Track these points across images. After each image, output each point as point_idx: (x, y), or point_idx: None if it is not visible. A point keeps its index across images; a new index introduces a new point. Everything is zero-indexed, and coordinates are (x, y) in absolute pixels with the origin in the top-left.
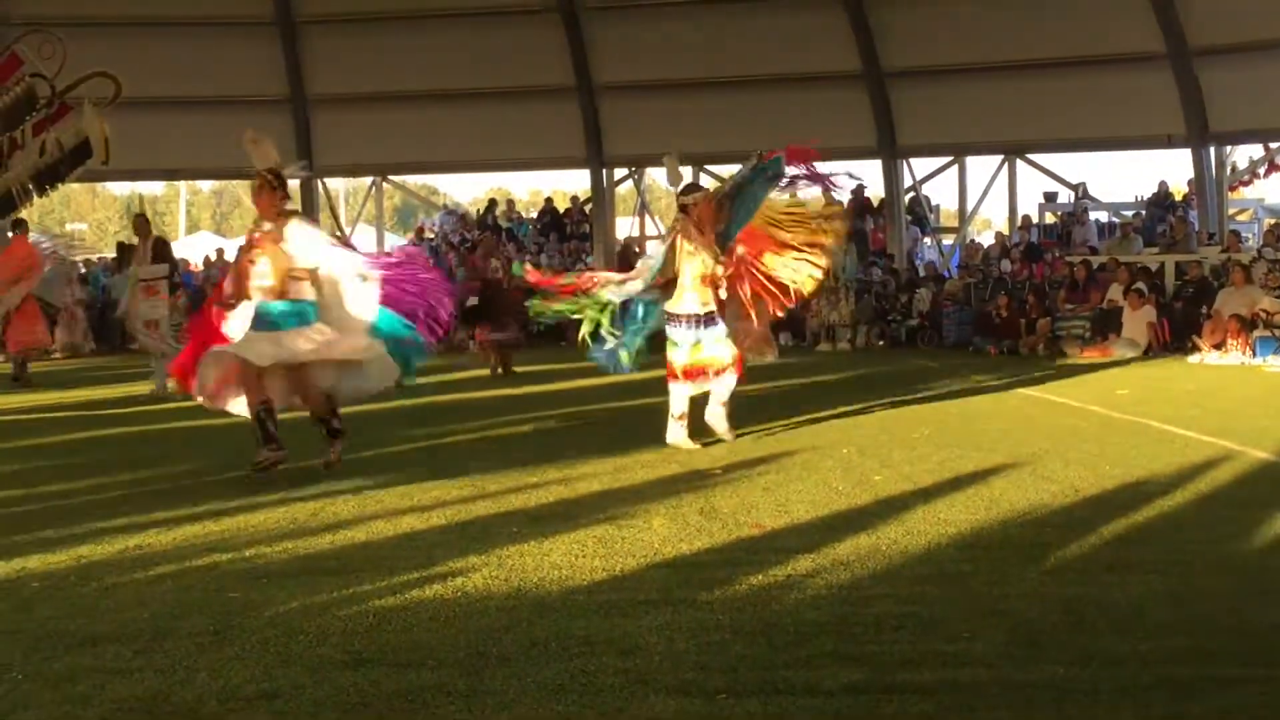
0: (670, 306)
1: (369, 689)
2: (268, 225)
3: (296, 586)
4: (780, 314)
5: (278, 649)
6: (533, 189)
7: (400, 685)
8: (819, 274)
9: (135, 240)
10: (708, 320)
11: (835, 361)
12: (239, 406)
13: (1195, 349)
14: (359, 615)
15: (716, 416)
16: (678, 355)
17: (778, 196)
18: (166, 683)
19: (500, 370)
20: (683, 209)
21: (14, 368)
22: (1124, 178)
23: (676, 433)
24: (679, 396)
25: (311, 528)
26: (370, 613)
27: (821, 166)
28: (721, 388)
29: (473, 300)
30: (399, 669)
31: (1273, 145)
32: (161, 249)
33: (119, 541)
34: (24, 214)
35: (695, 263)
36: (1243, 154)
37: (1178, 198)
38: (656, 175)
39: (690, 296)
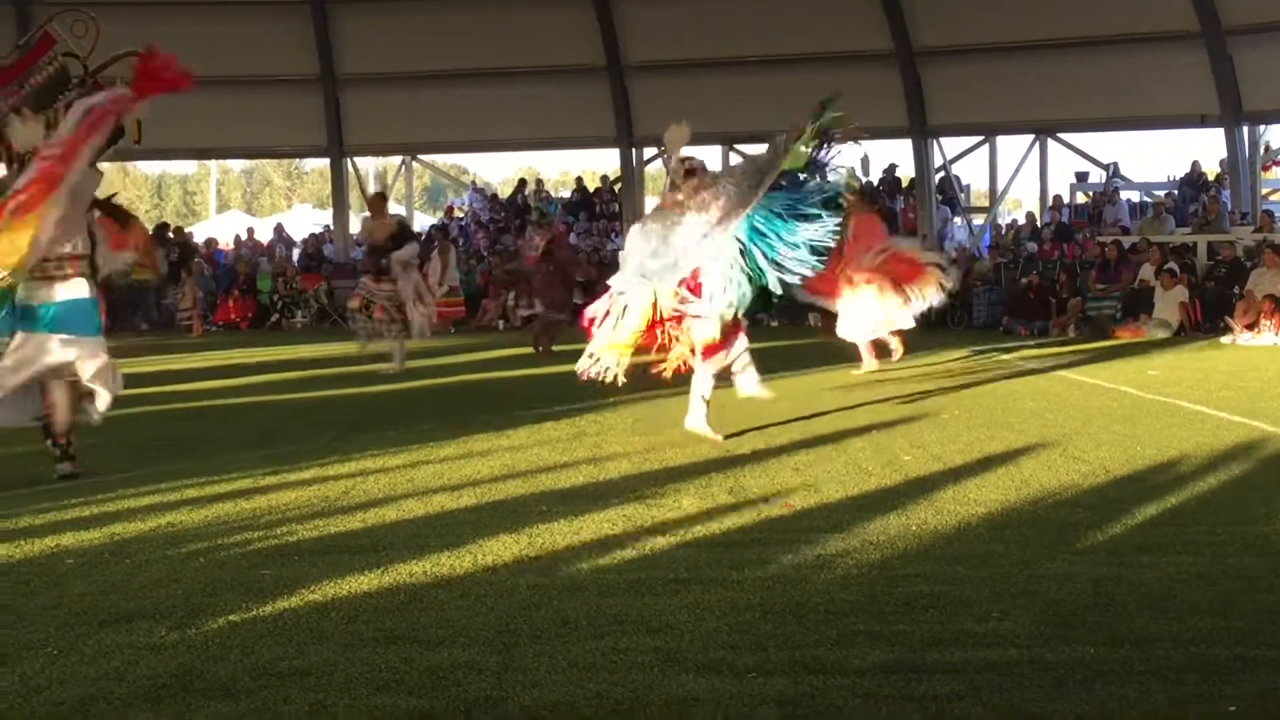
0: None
1: (400, 666)
2: None
3: (328, 564)
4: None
5: (310, 626)
6: (562, 168)
7: (431, 662)
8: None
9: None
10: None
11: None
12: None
13: (1227, 330)
14: (390, 593)
15: (749, 380)
16: (706, 331)
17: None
18: (200, 659)
19: (541, 349)
20: (691, 172)
21: None
22: (1156, 157)
23: (698, 418)
24: (705, 377)
25: (343, 506)
26: (401, 590)
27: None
28: (736, 351)
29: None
30: (430, 646)
31: None
32: (403, 229)
33: (152, 519)
34: None
35: None
36: (1276, 133)
37: (1210, 177)
38: (685, 154)
39: None
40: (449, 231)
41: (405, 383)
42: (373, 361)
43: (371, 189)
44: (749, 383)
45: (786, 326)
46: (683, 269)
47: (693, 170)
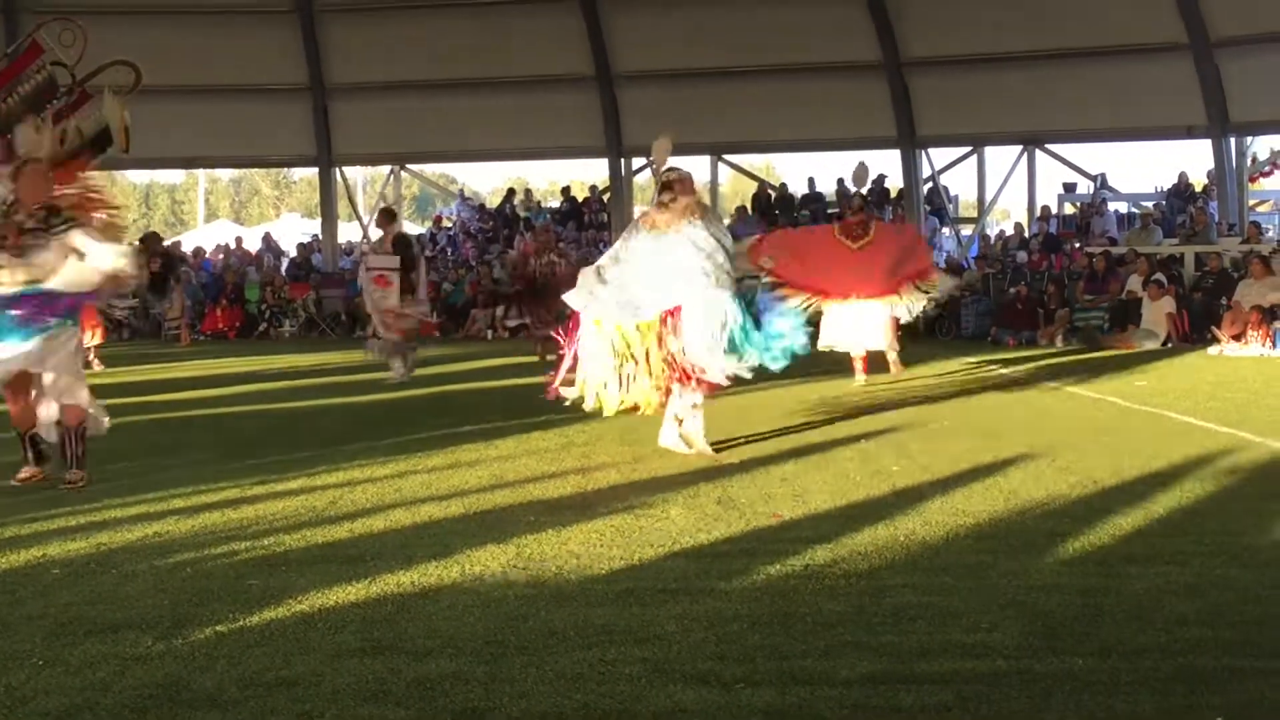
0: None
1: (388, 676)
2: None
3: (315, 574)
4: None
5: (296, 637)
6: (551, 178)
7: (418, 673)
8: None
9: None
10: None
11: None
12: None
13: (1214, 340)
14: (377, 603)
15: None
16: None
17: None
18: (186, 669)
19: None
20: (668, 186)
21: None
22: (1144, 168)
23: (672, 435)
24: (681, 398)
25: (330, 516)
26: (388, 601)
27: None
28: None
29: (514, 288)
30: (417, 657)
31: None
32: (404, 245)
33: (139, 529)
34: None
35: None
36: (1263, 145)
37: (1198, 188)
38: (673, 164)
39: None
40: (436, 241)
41: (393, 393)
42: (366, 371)
43: (361, 198)
44: (670, 435)
45: None
46: (656, 305)
47: (669, 184)
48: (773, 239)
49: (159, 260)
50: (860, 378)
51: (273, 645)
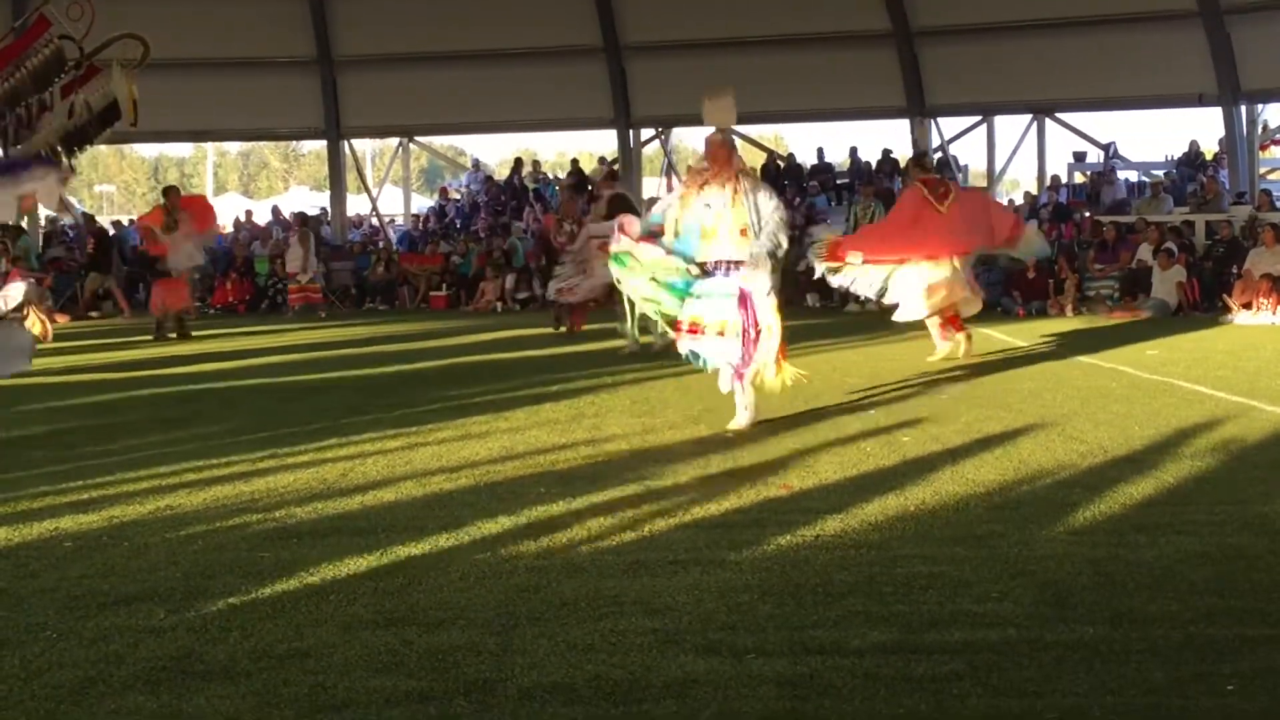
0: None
1: (400, 648)
2: None
3: (326, 547)
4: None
5: (308, 608)
6: (559, 150)
7: (430, 644)
8: None
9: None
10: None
11: (863, 322)
12: None
13: (1225, 309)
14: (389, 575)
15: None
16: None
17: None
18: (199, 641)
19: (567, 328)
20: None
21: (171, 325)
22: (1154, 137)
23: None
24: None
25: (341, 488)
26: (400, 572)
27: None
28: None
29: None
30: (429, 628)
31: None
32: (622, 203)
33: (151, 502)
34: None
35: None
36: (1274, 112)
37: (1208, 157)
38: (682, 135)
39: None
40: (444, 214)
41: (402, 365)
42: (376, 344)
43: (369, 171)
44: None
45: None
46: None
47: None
48: (855, 238)
49: (93, 240)
50: (943, 346)
51: (285, 617)
